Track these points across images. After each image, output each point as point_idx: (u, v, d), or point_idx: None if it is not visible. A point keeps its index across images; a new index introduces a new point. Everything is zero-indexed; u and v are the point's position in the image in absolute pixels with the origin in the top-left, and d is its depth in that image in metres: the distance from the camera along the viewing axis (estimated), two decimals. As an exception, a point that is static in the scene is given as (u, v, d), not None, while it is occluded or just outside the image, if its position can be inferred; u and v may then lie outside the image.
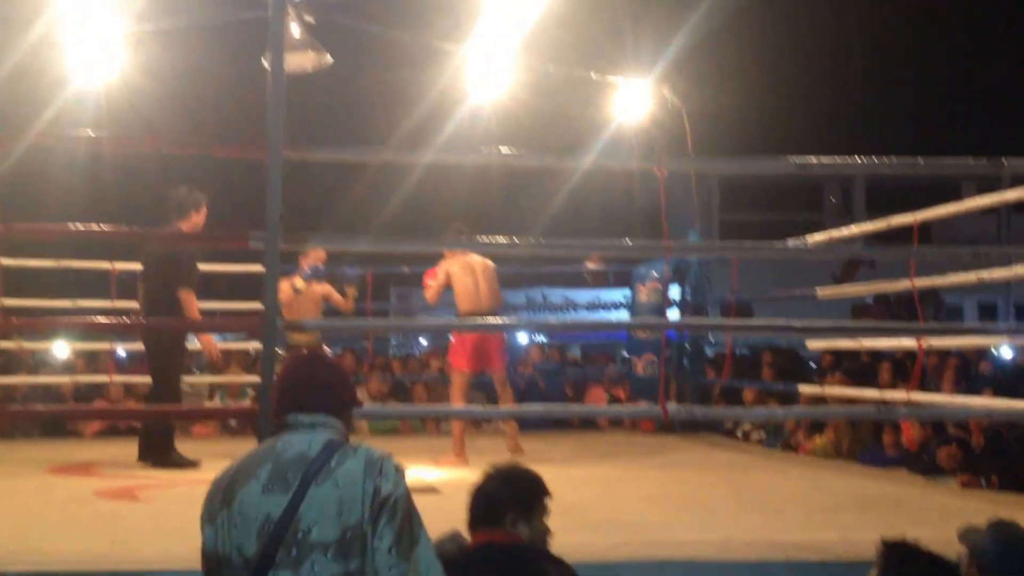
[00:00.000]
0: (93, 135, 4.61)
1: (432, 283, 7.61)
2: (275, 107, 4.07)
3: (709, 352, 10.26)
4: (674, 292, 10.12)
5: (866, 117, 24.42)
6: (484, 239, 5.54)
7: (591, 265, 11.85)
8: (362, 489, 2.38)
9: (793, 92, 22.66)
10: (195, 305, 6.74)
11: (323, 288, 7.94)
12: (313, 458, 2.42)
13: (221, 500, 2.43)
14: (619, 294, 17.56)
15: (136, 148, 5.62)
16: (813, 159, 4.94)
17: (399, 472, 2.46)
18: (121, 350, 10.06)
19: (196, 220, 6.79)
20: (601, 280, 13.54)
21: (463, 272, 7.51)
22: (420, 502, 2.48)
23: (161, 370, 6.77)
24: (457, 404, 7.48)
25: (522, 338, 23.98)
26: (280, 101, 4.09)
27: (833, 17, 24.48)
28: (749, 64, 20.36)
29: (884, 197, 21.74)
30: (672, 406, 4.75)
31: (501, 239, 5.15)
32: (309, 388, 2.59)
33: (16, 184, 4.44)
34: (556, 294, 20.85)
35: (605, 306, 20.14)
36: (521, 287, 19.88)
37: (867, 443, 7.67)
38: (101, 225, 4.33)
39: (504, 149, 5.46)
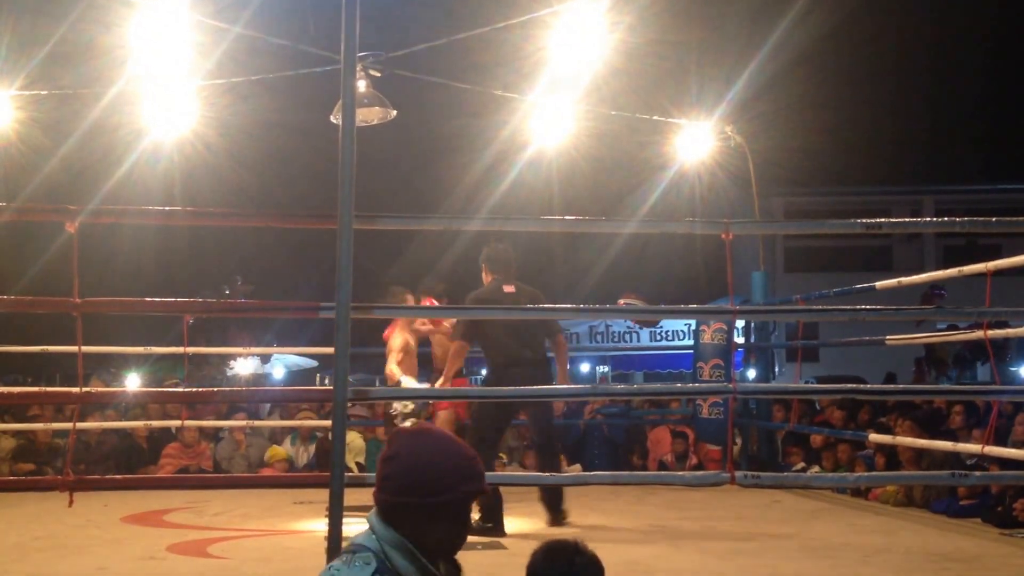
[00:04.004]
0: (171, 209, 4.73)
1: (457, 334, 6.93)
2: (347, 180, 3.98)
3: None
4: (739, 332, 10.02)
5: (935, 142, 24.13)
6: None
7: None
8: None
9: (857, 120, 22.45)
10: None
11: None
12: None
13: None
14: (682, 323, 17.44)
15: (210, 222, 5.73)
16: (882, 220, 4.88)
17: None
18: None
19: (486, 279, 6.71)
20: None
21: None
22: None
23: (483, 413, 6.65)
24: None
25: (584, 368, 23.95)
26: (351, 172, 3.99)
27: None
28: (813, 99, 20.21)
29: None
30: (740, 473, 4.70)
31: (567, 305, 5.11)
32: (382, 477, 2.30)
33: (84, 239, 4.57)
34: (619, 323, 20.72)
35: (668, 336, 19.98)
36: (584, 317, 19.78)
37: (939, 490, 7.50)
38: (173, 299, 4.41)
39: (564, 192, 5.47)
